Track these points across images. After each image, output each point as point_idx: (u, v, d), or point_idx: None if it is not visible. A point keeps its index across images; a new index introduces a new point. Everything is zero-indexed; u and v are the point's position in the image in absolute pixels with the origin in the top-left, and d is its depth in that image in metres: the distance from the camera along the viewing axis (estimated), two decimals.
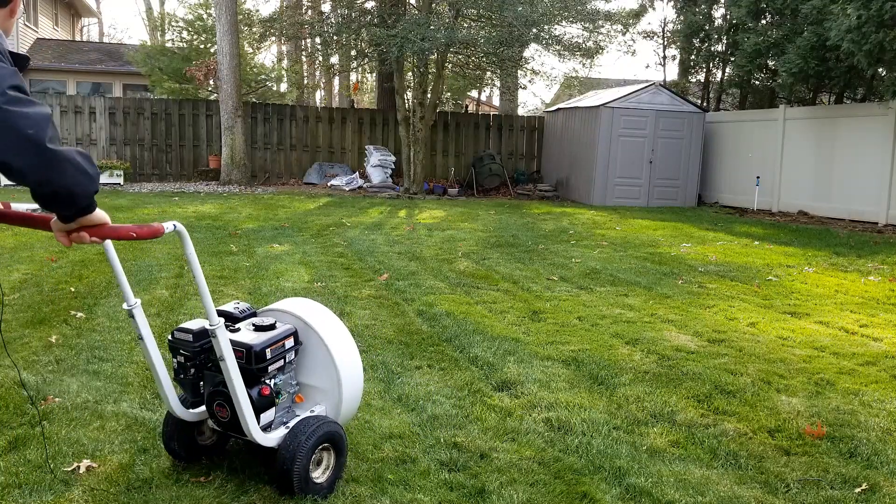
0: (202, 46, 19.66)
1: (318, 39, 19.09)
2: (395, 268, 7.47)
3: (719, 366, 4.44)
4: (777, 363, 4.55)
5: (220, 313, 2.92)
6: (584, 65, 18.37)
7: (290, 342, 2.83)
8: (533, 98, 61.16)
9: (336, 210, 12.84)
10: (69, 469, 2.88)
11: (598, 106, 15.66)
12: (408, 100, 16.77)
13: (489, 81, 24.94)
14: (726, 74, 19.34)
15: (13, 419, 3.33)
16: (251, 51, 20.62)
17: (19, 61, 1.83)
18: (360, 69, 25.37)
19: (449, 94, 25.26)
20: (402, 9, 16.74)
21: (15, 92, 1.66)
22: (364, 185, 17.11)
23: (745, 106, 18.78)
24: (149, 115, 17.28)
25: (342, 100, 31.46)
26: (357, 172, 17.81)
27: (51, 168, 1.69)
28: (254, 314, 2.98)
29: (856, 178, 13.04)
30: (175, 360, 2.83)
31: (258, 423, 2.70)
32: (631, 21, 19.64)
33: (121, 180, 15.93)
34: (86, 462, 2.92)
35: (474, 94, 30.16)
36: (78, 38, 31.35)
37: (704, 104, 19.65)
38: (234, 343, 2.70)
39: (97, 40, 38.37)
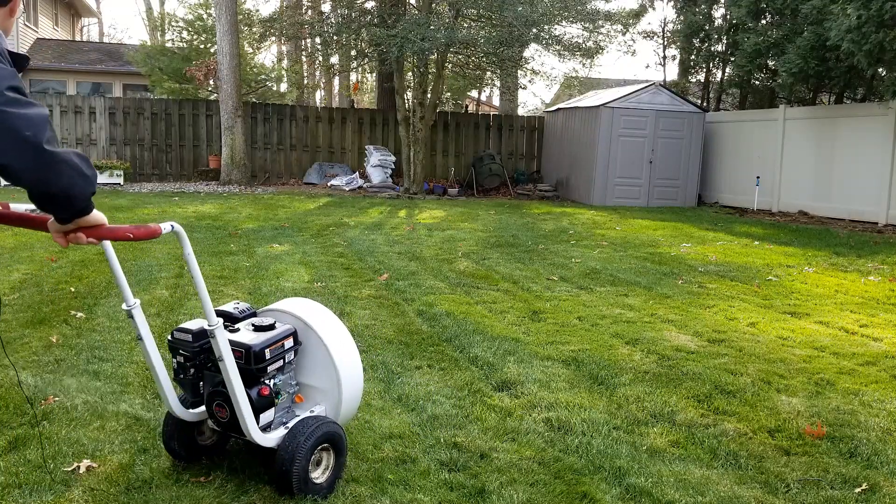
0: (202, 46, 19.66)
1: (318, 39, 19.09)
2: (395, 268, 7.47)
3: (719, 366, 4.44)
4: (777, 363, 4.55)
5: (220, 313, 2.92)
6: (584, 65, 18.38)
7: (289, 342, 2.83)
8: (533, 98, 61.21)
9: (336, 210, 12.84)
10: (69, 469, 2.88)
11: (598, 106, 15.66)
12: (408, 100, 16.77)
13: (489, 81, 24.94)
14: (726, 74, 19.34)
15: (13, 419, 3.33)
16: (251, 51, 20.63)
17: (19, 61, 1.83)
18: (360, 69, 25.38)
19: (449, 94, 25.26)
20: (402, 9, 16.74)
21: (13, 93, 1.65)
22: (364, 185, 17.11)
23: (745, 106, 18.78)
24: (149, 115, 17.28)
25: (342, 100, 31.47)
26: (357, 172, 17.81)
27: (48, 170, 1.69)
28: (254, 314, 2.98)
29: (856, 178, 13.04)
30: (175, 360, 2.83)
31: (257, 424, 2.70)
32: (631, 21, 19.64)
33: (121, 180, 15.93)
34: (86, 462, 2.92)
35: (474, 94, 30.17)
36: (78, 38, 31.36)
37: (704, 104, 19.65)
38: (233, 343, 2.70)
39: (97, 40, 38.38)
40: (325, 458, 2.79)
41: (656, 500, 2.80)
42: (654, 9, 41.40)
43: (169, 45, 21.34)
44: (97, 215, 1.91)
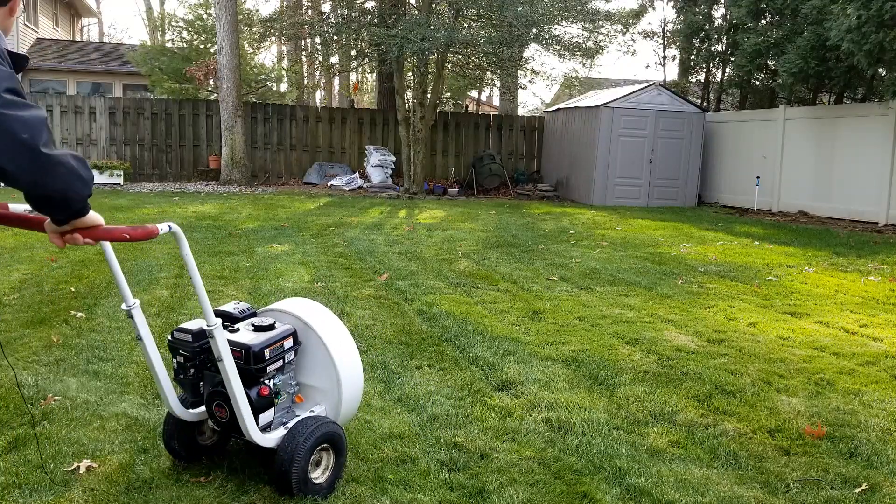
0: (202, 46, 19.67)
1: (318, 39, 19.09)
2: (395, 268, 7.47)
3: (719, 366, 4.44)
4: (777, 363, 4.55)
5: (220, 313, 2.93)
6: (584, 65, 18.38)
7: (289, 342, 2.83)
8: (533, 98, 61.19)
9: (336, 210, 12.84)
10: (69, 469, 2.87)
11: (598, 106, 15.66)
12: (408, 100, 16.77)
13: (489, 81, 24.94)
14: (726, 74, 19.34)
15: (13, 419, 3.33)
16: (251, 51, 20.63)
17: (18, 61, 1.83)
18: (360, 69, 25.38)
19: (449, 94, 25.26)
20: (402, 9, 16.74)
21: (10, 95, 1.66)
22: (364, 185, 17.11)
23: (745, 106, 18.78)
24: (149, 115, 17.28)
25: (342, 100, 31.47)
26: (357, 172, 17.81)
27: (44, 172, 1.69)
28: (254, 314, 2.98)
29: (856, 178, 13.04)
30: (175, 360, 2.83)
31: (257, 424, 2.70)
32: (631, 21, 19.64)
33: (121, 180, 15.93)
34: (86, 462, 2.92)
35: (474, 94, 30.17)
36: (78, 38, 31.36)
37: (704, 104, 19.65)
38: (232, 343, 2.70)
39: (97, 40, 38.38)
40: (324, 458, 2.79)
41: (656, 500, 2.80)
42: (654, 9, 41.42)
43: (169, 45, 21.35)
44: (93, 216, 1.91)
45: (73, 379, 3.87)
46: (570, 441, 3.30)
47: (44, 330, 4.79)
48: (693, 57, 19.81)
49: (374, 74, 24.71)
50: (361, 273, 7.17)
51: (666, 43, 21.64)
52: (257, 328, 2.81)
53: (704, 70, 20.22)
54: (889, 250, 9.65)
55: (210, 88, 18.91)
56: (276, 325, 2.84)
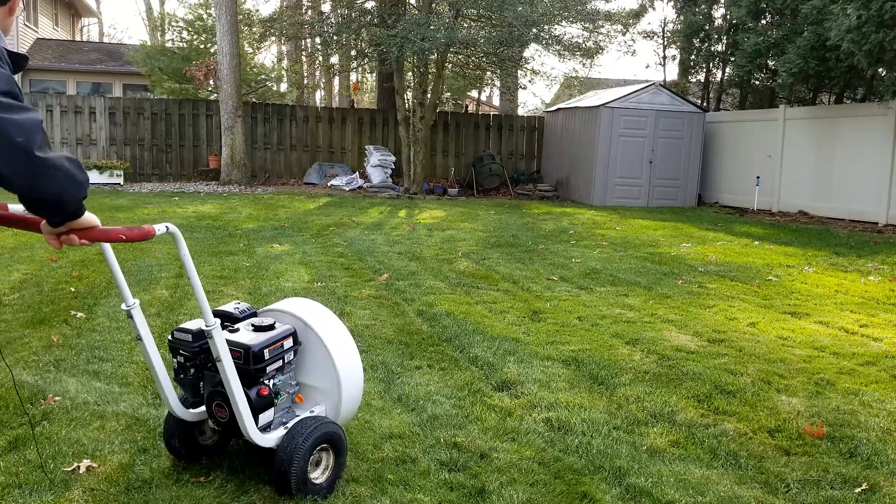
0: (202, 46, 19.67)
1: (318, 39, 19.09)
2: (395, 268, 7.47)
3: (719, 366, 4.44)
4: (777, 363, 4.55)
5: (221, 313, 2.93)
6: (584, 65, 18.38)
7: (288, 342, 2.83)
8: (533, 98, 61.19)
9: (336, 210, 12.84)
10: (69, 469, 2.87)
11: (598, 106, 15.66)
12: (408, 100, 16.77)
13: (489, 81, 24.95)
14: (726, 74, 19.34)
15: (13, 419, 3.33)
16: (251, 51, 20.63)
17: (18, 61, 1.83)
18: (360, 69, 25.38)
19: (449, 94, 25.26)
20: (402, 9, 16.74)
21: (6, 98, 1.66)
22: (364, 185, 17.11)
23: (745, 106, 18.78)
24: (149, 115, 17.28)
25: (342, 100, 31.47)
26: (357, 172, 17.81)
27: (39, 176, 1.70)
28: (254, 314, 2.98)
29: (856, 178, 13.04)
30: (175, 360, 2.83)
31: (257, 424, 2.70)
32: (631, 21, 19.64)
33: (121, 180, 15.93)
34: (86, 462, 2.92)
35: (474, 94, 30.17)
36: (78, 38, 31.36)
37: (704, 104, 19.65)
38: (232, 343, 2.70)
39: (97, 40, 38.38)
40: (324, 458, 2.79)
41: (656, 500, 2.80)
42: (654, 9, 41.45)
43: (169, 45, 21.35)
44: (89, 217, 1.92)
45: (73, 379, 3.87)
46: (570, 441, 3.30)
47: (44, 330, 4.79)
48: (693, 57, 19.81)
49: (374, 74, 24.72)
50: (361, 273, 7.17)
51: (666, 43, 21.65)
52: (257, 328, 2.81)
53: (704, 70, 20.23)
54: (889, 250, 9.64)
55: (210, 88, 18.91)
56: (275, 325, 2.84)
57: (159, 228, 2.20)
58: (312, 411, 2.90)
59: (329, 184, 17.37)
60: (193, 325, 2.80)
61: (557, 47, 16.62)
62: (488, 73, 21.57)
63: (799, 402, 3.86)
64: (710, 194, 16.48)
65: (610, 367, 4.37)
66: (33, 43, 22.86)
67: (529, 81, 35.68)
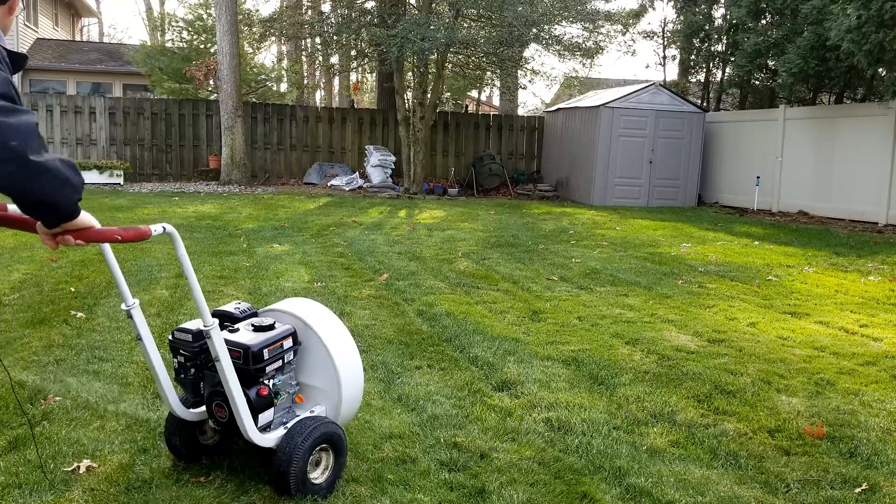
0: (202, 46, 19.67)
1: (318, 39, 19.09)
2: (395, 268, 7.47)
3: (719, 366, 4.44)
4: (777, 363, 4.55)
5: (222, 314, 2.93)
6: (584, 65, 18.39)
7: (288, 342, 2.83)
8: (533, 98, 61.18)
9: (336, 210, 12.84)
10: (69, 469, 2.87)
11: (598, 106, 15.66)
12: (408, 100, 16.77)
13: (489, 81, 24.94)
14: (726, 74, 19.34)
15: (13, 419, 3.33)
16: (251, 51, 20.63)
17: (17, 60, 1.83)
18: (360, 69, 25.38)
19: (449, 94, 25.26)
20: (402, 9, 16.74)
21: (2, 101, 1.66)
22: (364, 185, 17.11)
23: (745, 106, 18.78)
24: (149, 115, 17.28)
25: (342, 100, 31.47)
26: (357, 172, 17.81)
27: (32, 180, 1.70)
28: (255, 314, 2.98)
29: (856, 178, 13.04)
30: (175, 360, 2.83)
31: (256, 424, 2.70)
32: (631, 21, 19.65)
33: (121, 180, 15.93)
34: (86, 462, 2.92)
35: (474, 94, 30.17)
36: (78, 38, 31.36)
37: (704, 104, 19.65)
38: (231, 343, 2.70)
39: (97, 40, 38.38)
40: (324, 458, 2.79)
41: (656, 500, 2.80)
42: (654, 9, 41.47)
43: (169, 45, 21.35)
44: (84, 218, 1.92)
45: (73, 379, 3.87)
46: (570, 441, 3.30)
47: (44, 330, 4.79)
48: (693, 57, 19.81)
49: (374, 74, 24.72)
50: (361, 273, 7.17)
51: (666, 43, 21.65)
52: (257, 328, 2.81)
53: (704, 70, 20.23)
54: (889, 250, 9.64)
55: (210, 88, 18.91)
56: (275, 325, 2.84)
57: (156, 229, 2.19)
58: (313, 411, 2.90)
59: (329, 184, 17.37)
60: (194, 325, 2.80)
61: (557, 47, 16.62)
62: (488, 73, 21.58)
63: (799, 402, 3.86)
64: (710, 194, 16.48)
65: (610, 367, 4.37)
66: (33, 43, 22.87)
67: (529, 81, 35.71)
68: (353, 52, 18.78)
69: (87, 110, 16.99)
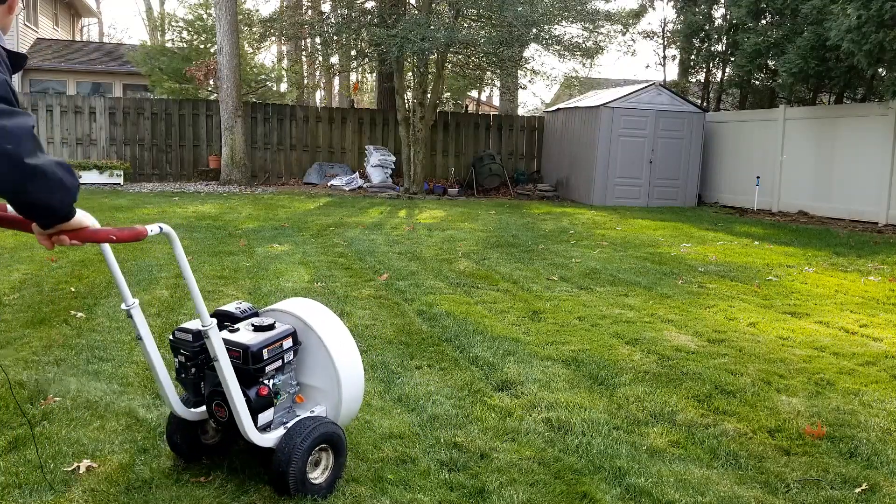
0: (202, 46, 19.67)
1: (318, 39, 19.09)
2: (395, 268, 7.47)
3: (719, 366, 4.44)
4: (777, 363, 4.55)
5: (223, 313, 2.93)
6: (584, 65, 18.39)
7: (288, 342, 2.83)
8: (533, 98, 61.17)
9: (336, 210, 12.84)
10: (69, 469, 2.87)
11: (598, 106, 15.66)
12: (408, 100, 16.77)
13: (489, 81, 24.95)
14: (726, 74, 19.34)
15: (13, 419, 3.32)
16: (251, 51, 20.63)
17: (17, 60, 1.83)
18: (360, 69, 25.38)
19: (449, 94, 25.26)
20: (402, 9, 16.74)
21: None
22: (364, 185, 17.11)
23: (745, 106, 18.78)
24: (149, 115, 17.28)
25: (342, 100, 31.47)
26: (357, 172, 17.81)
27: (27, 183, 1.71)
28: (255, 314, 2.98)
29: (856, 178, 13.04)
30: (176, 359, 2.83)
31: (256, 424, 2.70)
32: (631, 21, 19.65)
33: (121, 180, 15.93)
34: (86, 462, 2.92)
35: (474, 94, 30.18)
36: (78, 38, 31.36)
37: (704, 104, 19.65)
38: (231, 343, 2.70)
39: (97, 40, 38.38)
40: (323, 458, 2.79)
41: (656, 500, 2.80)
42: (654, 9, 41.48)
43: (169, 45, 21.35)
44: (79, 219, 1.93)
45: (73, 379, 3.87)
46: (570, 441, 3.30)
47: (44, 330, 4.79)
48: (693, 57, 19.81)
49: (374, 74, 24.72)
50: (361, 273, 7.17)
51: (666, 43, 21.65)
52: (257, 328, 2.81)
53: (704, 70, 20.23)
54: (889, 250, 9.64)
55: (210, 88, 18.91)
56: (275, 325, 2.84)
57: (152, 229, 2.18)
58: (313, 411, 2.90)
59: (329, 184, 17.37)
60: (194, 324, 2.80)
61: (557, 47, 16.62)
62: (488, 73, 21.58)
63: (799, 402, 3.86)
64: (710, 194, 16.48)
65: (610, 367, 4.37)
66: (33, 43, 22.87)
67: (529, 81, 35.71)
68: (353, 52, 18.78)
69: (87, 110, 16.99)
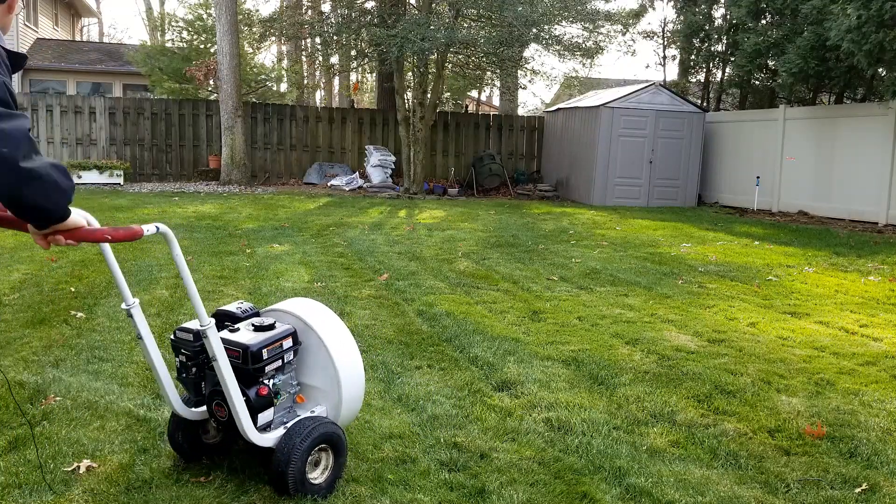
0: (202, 46, 19.67)
1: (318, 39, 19.09)
2: (395, 268, 7.47)
3: (719, 366, 4.44)
4: (777, 363, 4.55)
5: (224, 313, 2.93)
6: (584, 65, 18.39)
7: (288, 342, 2.83)
8: (533, 98, 61.18)
9: (336, 210, 12.84)
10: (69, 469, 2.87)
11: (598, 106, 15.66)
12: (408, 100, 16.77)
13: (489, 81, 24.95)
14: (726, 74, 19.34)
15: (13, 419, 3.32)
16: (251, 51, 20.63)
17: (17, 60, 1.84)
18: (360, 69, 25.38)
19: (449, 94, 25.26)
20: (402, 9, 16.74)
21: None
22: (364, 185, 17.11)
23: (745, 106, 18.78)
24: (149, 115, 17.28)
25: (342, 100, 31.47)
26: (357, 172, 17.82)
27: (22, 185, 1.72)
28: (256, 314, 2.98)
29: (856, 178, 13.04)
30: (177, 359, 2.83)
31: (256, 424, 2.70)
32: (631, 21, 19.65)
33: (121, 180, 15.94)
34: (86, 462, 2.92)
35: (474, 94, 30.18)
36: (78, 38, 31.36)
37: (704, 104, 19.65)
38: (231, 343, 2.70)
39: (97, 40, 38.38)
40: (323, 458, 2.79)
41: (656, 500, 2.80)
42: (654, 9, 41.51)
43: (169, 45, 21.36)
44: (75, 219, 1.94)
45: (73, 379, 3.87)
46: (570, 441, 3.30)
47: (44, 330, 4.79)
48: (693, 57, 19.81)
49: (374, 74, 24.72)
50: (361, 273, 7.17)
51: (666, 43, 21.65)
52: (257, 328, 2.81)
53: (704, 70, 20.23)
54: (889, 250, 9.64)
55: (210, 88, 18.91)
56: (276, 324, 2.84)
57: (148, 229, 2.17)
58: (313, 411, 2.90)
59: (329, 184, 17.37)
60: (195, 324, 2.80)
61: (557, 47, 16.62)
62: (488, 73, 21.58)
63: (799, 402, 3.86)
64: (710, 194, 16.48)
65: (610, 367, 4.37)
66: (33, 43, 22.86)
67: (529, 81, 35.72)
68: (353, 52, 18.78)
69: (87, 110, 16.99)
